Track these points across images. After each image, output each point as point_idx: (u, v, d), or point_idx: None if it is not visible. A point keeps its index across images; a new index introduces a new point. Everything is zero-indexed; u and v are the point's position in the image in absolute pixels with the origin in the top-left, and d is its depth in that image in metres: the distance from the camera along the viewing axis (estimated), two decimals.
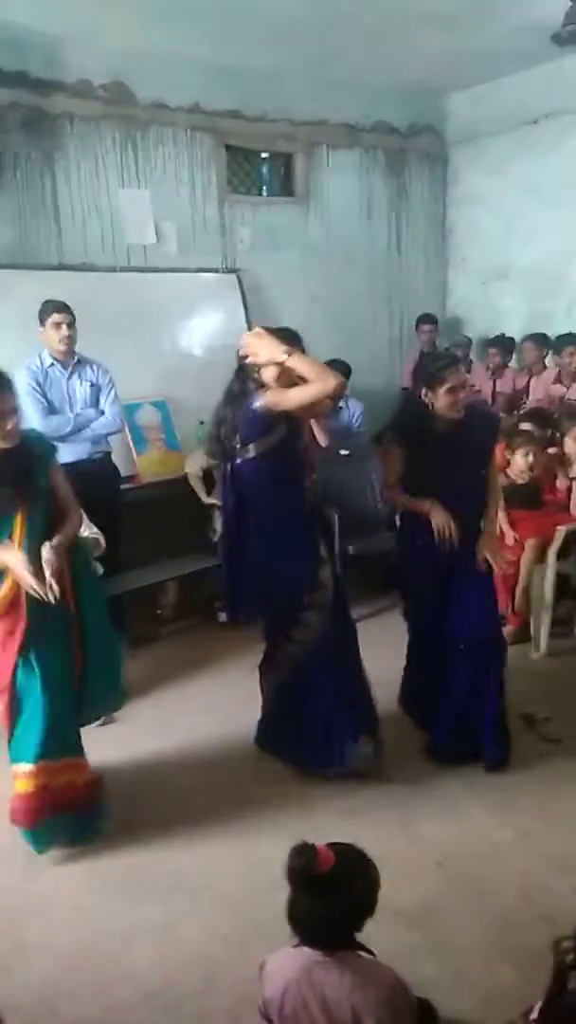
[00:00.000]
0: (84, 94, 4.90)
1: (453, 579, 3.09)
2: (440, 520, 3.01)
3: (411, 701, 3.44)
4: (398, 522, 3.44)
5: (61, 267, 4.85)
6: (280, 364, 2.80)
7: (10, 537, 2.64)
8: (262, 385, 2.88)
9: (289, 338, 2.97)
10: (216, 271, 5.54)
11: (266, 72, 5.44)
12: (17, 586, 2.62)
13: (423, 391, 2.98)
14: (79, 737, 2.86)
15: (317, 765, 3.10)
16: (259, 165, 5.95)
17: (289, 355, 2.78)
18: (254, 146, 5.77)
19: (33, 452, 2.73)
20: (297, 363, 2.80)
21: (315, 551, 3.05)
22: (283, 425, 2.90)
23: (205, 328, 5.37)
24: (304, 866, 1.68)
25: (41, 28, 4.55)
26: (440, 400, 2.95)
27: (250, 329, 5.32)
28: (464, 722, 3.13)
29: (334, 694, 3.07)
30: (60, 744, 2.72)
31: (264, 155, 5.92)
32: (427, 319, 6.27)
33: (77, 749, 2.83)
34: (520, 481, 4.39)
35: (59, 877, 2.67)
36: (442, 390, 2.93)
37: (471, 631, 3.07)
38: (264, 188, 6.00)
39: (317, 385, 2.77)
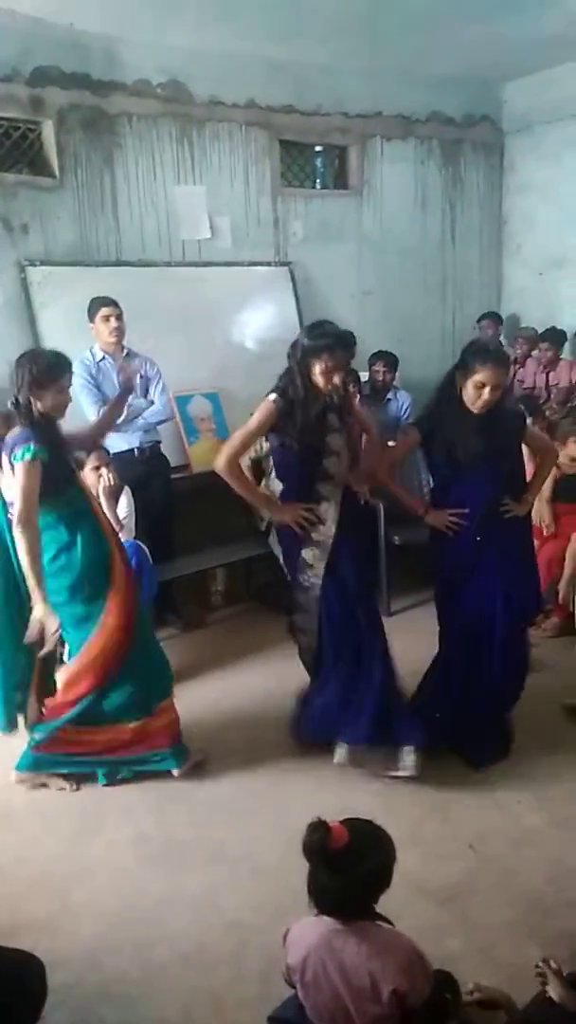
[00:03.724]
0: (142, 93, 5.03)
1: (482, 565, 3.09)
2: (436, 521, 3.09)
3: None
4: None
5: (119, 263, 5.00)
6: None
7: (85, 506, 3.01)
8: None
9: (343, 341, 3.07)
10: (269, 264, 5.63)
11: (320, 66, 5.50)
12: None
13: (457, 373, 2.97)
14: None
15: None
16: (313, 158, 6.00)
17: None
18: (308, 140, 5.83)
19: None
20: None
21: (295, 538, 3.12)
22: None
23: (257, 321, 5.47)
24: (317, 842, 1.75)
25: (102, 31, 4.70)
26: (467, 391, 2.91)
27: (301, 322, 5.47)
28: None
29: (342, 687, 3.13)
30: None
31: (318, 148, 5.97)
32: (488, 316, 6.22)
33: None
34: (570, 472, 4.37)
35: (107, 844, 2.83)
36: (469, 381, 2.89)
37: (512, 604, 3.09)
38: (318, 181, 6.05)
39: None
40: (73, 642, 3.07)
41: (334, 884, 1.78)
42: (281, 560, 4.55)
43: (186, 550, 4.71)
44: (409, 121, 6.12)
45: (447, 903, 2.45)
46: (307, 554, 3.09)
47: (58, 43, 4.64)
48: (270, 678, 3.96)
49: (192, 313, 5.12)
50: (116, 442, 4.29)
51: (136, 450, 4.40)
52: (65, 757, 3.07)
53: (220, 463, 3.00)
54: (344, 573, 3.07)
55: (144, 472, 4.42)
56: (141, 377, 4.38)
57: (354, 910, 1.83)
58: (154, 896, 2.57)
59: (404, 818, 2.72)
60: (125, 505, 4.01)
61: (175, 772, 3.14)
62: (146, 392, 4.42)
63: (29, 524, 2.77)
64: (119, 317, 4.25)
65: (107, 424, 3.52)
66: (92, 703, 3.01)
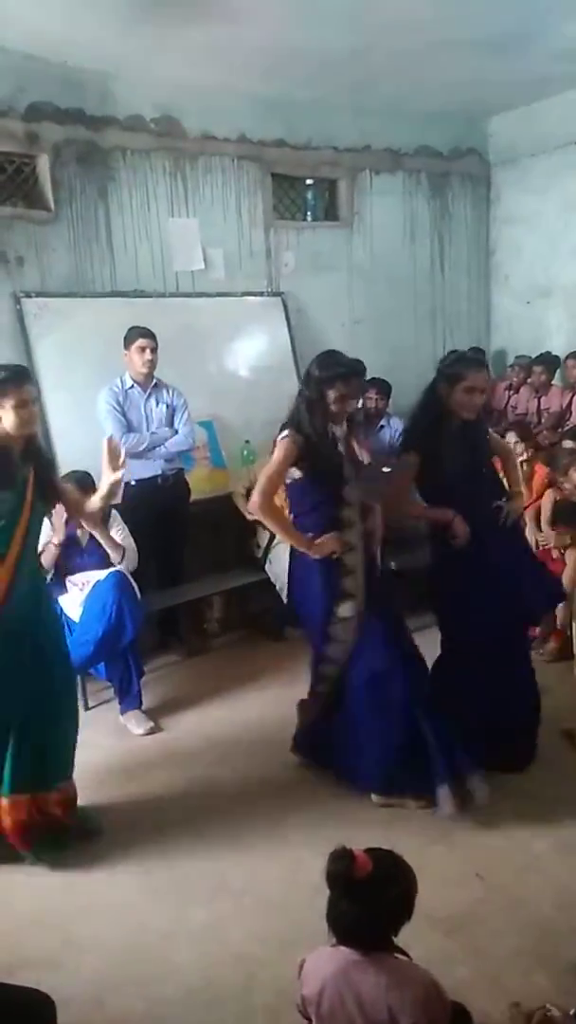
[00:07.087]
0: (136, 128, 5.11)
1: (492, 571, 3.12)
2: (461, 530, 3.07)
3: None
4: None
5: (114, 294, 5.05)
6: None
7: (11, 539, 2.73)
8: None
9: (355, 369, 3.15)
10: (261, 294, 5.69)
11: (310, 102, 5.60)
12: None
13: (441, 385, 3.06)
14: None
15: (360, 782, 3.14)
16: (304, 191, 6.09)
17: None
18: (299, 173, 5.92)
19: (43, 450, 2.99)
20: None
21: (328, 578, 3.09)
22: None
23: (250, 350, 5.52)
24: (342, 871, 1.74)
25: (96, 67, 4.78)
26: (456, 397, 3.02)
27: (294, 351, 5.53)
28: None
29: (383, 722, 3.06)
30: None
31: (309, 181, 6.06)
32: (472, 351, 6.29)
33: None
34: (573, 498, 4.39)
35: (111, 878, 2.79)
36: (459, 387, 3.01)
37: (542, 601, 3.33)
38: (308, 213, 6.14)
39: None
40: None
41: (355, 913, 1.76)
42: (280, 589, 4.59)
43: (183, 577, 4.71)
44: (397, 155, 6.24)
45: (455, 932, 2.43)
46: (343, 610, 3.07)
47: (53, 79, 4.72)
48: (267, 706, 3.94)
49: (186, 343, 5.15)
50: (139, 469, 4.34)
51: (160, 478, 4.46)
52: None
53: (256, 505, 3.04)
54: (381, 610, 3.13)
55: (166, 499, 4.48)
56: (168, 407, 4.47)
57: (374, 940, 1.81)
58: (158, 930, 2.53)
59: (408, 847, 2.63)
60: (118, 531, 4.00)
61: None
62: (171, 421, 4.46)
63: None
64: (154, 350, 4.33)
65: (94, 514, 3.27)
66: None
